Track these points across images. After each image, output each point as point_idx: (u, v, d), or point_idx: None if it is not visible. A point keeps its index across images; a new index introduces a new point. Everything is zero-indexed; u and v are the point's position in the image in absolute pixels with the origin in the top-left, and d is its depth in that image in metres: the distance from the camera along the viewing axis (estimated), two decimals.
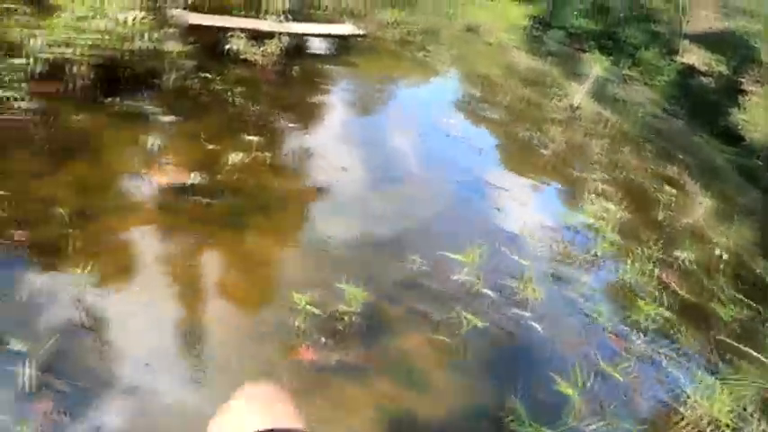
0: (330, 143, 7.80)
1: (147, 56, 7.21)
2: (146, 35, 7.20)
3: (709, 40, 34.79)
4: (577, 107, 14.19)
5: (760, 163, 28.29)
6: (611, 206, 7.93)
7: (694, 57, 34.53)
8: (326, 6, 13.20)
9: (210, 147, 6.51)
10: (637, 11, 39.34)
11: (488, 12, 22.42)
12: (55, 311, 3.79)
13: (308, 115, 8.45)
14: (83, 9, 6.99)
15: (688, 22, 35.73)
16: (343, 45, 11.49)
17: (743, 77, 31.64)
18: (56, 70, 6.54)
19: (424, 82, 12.56)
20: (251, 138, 6.83)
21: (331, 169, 6.96)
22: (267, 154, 6.74)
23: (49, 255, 4.28)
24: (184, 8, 9.28)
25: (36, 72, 6.34)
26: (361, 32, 11.22)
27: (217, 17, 9.29)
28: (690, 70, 35.32)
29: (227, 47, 8.82)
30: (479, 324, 4.67)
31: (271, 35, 8.97)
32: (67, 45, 6.51)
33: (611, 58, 38.83)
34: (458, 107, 11.02)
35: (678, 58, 36.20)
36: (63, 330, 3.66)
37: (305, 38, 9.29)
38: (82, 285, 3.97)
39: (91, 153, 5.86)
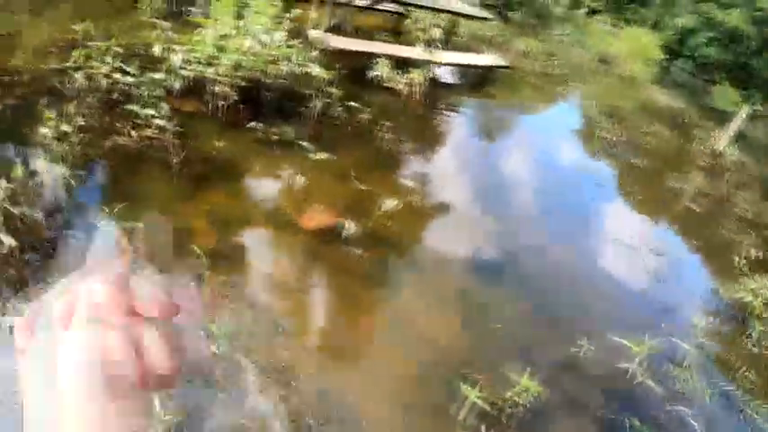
0: (482, 189, 7.34)
1: (291, 80, 6.84)
2: (291, 58, 6.84)
3: None
4: (720, 153, 13.16)
5: None
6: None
7: None
8: (464, 34, 12.91)
9: (360, 187, 5.97)
10: None
11: (621, 41, 21.41)
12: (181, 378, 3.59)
13: (458, 153, 8.14)
14: (225, 27, 6.73)
15: None
16: (483, 75, 11.18)
17: None
18: (195, 88, 6.26)
19: (562, 119, 11.97)
20: (403, 179, 6.60)
21: (486, 222, 6.49)
22: (421, 199, 6.34)
23: None
24: (327, 30, 9.27)
25: (175, 89, 6.10)
26: (505, 63, 10.86)
27: (362, 42, 9.18)
28: None
29: (371, 73, 8.55)
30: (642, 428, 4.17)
31: (415, 63, 8.74)
32: (209, 63, 6.17)
33: (744, 91, 36.51)
34: (598, 151, 10.32)
35: None
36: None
37: (449, 67, 8.97)
38: (213, 339, 3.53)
39: (231, 182, 5.45)
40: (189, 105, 6.32)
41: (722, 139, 13.02)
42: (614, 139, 11.02)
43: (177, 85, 6.18)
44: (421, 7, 10.30)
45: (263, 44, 6.68)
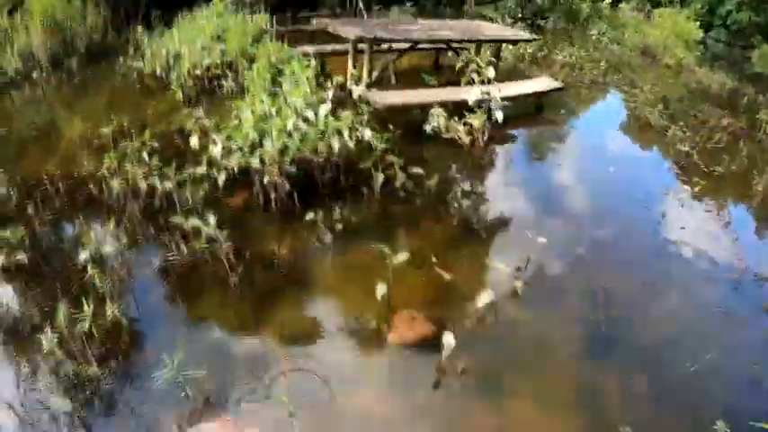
0: (581, 262, 5.80)
1: (345, 155, 5.97)
2: (340, 130, 5.95)
3: None
4: None
5: None
6: None
7: None
8: (504, 57, 12.02)
9: (447, 277, 4.86)
10: None
11: (656, 28, 20.29)
12: None
13: (547, 210, 6.78)
14: (262, 105, 6.11)
15: None
16: (537, 100, 10.28)
17: None
18: (243, 179, 5.58)
19: (630, 134, 10.29)
20: (494, 258, 5.30)
21: (595, 312, 4.97)
22: (521, 287, 4.92)
23: None
24: (370, 85, 8.46)
25: (221, 182, 5.43)
26: (558, 85, 9.93)
27: (412, 92, 8.31)
28: None
29: (427, 127, 7.47)
30: None
31: (468, 104, 7.79)
32: (252, 150, 5.47)
33: None
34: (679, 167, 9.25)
35: None
36: None
37: (504, 101, 7.88)
38: None
39: (298, 293, 4.62)
40: (237, 200, 5.69)
41: None
42: (687, 147, 9.92)
43: (222, 178, 5.44)
44: (465, 42, 9.47)
45: (308, 120, 5.88)
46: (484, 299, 4.30)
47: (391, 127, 6.72)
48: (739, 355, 4.62)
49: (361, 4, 9.80)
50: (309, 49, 9.20)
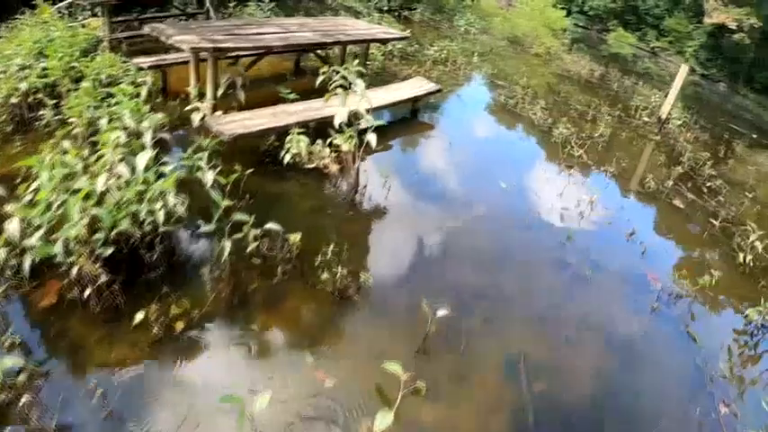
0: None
1: (179, 218, 4.16)
2: (165, 194, 4.08)
3: None
4: (665, 121, 11.79)
5: None
6: None
7: (722, 15, 31.63)
8: (373, 57, 10.76)
9: (328, 384, 3.49)
10: None
11: (521, 17, 20.11)
12: None
13: (441, 260, 5.22)
14: (69, 161, 4.10)
15: None
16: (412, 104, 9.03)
17: None
18: (52, 265, 3.76)
19: (513, 130, 9.84)
20: (387, 346, 3.92)
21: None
22: (424, 388, 3.59)
23: None
24: (216, 105, 6.86)
25: (25, 270, 3.61)
26: (436, 87, 8.82)
27: (270, 112, 6.74)
28: (720, 30, 32.49)
29: (286, 156, 5.67)
30: None
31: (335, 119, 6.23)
32: (58, 226, 3.65)
33: (638, 32, 36.49)
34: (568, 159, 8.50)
35: (706, 20, 33.32)
36: None
37: (376, 122, 6.16)
38: None
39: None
40: (48, 297, 3.78)
41: (664, 105, 11.54)
42: (572, 134, 9.22)
43: (27, 263, 3.63)
44: (327, 45, 8.07)
45: (124, 178, 4.19)
46: (381, 422, 2.95)
47: (238, 167, 5.03)
48: None
49: (207, 3, 7.93)
50: (146, 60, 7.41)
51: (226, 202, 4.16)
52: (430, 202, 6.12)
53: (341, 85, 5.69)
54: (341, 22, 9.60)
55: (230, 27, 7.56)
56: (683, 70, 11.39)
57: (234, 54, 7.42)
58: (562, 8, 32.34)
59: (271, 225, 4.25)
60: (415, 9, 18.91)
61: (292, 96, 6.73)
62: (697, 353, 4.78)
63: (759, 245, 6.87)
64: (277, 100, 6.68)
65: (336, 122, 5.56)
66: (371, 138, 5.48)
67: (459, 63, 12.56)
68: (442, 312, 3.94)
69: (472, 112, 10.05)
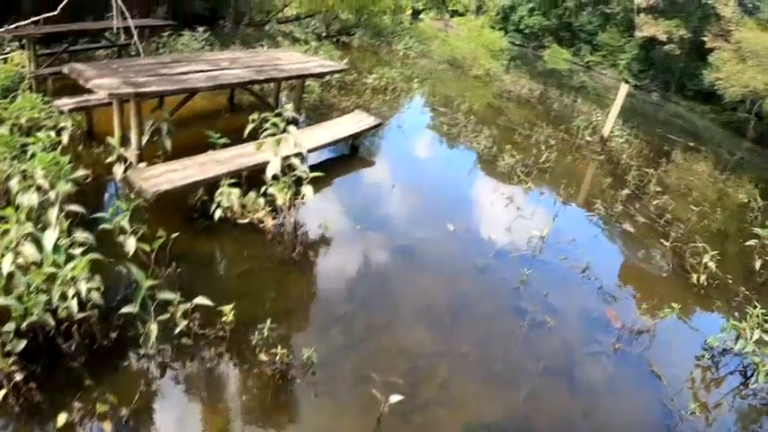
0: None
1: (97, 300, 3.55)
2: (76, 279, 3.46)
3: (664, 8, 33.03)
4: (608, 139, 11.77)
5: (747, 115, 26.74)
6: None
7: (653, 28, 32.66)
8: (309, 88, 10.31)
9: None
10: None
11: (460, 40, 20.11)
12: None
13: (391, 332, 4.58)
14: None
15: None
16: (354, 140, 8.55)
17: (705, 36, 29.92)
18: None
19: (463, 171, 9.04)
20: None
21: None
22: None
23: None
24: (141, 154, 6.26)
25: None
26: (376, 122, 8.40)
27: (198, 162, 6.12)
28: (650, 42, 33.51)
29: (216, 210, 5.13)
30: None
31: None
32: None
33: (571, 48, 37.38)
34: (515, 187, 8.23)
35: (637, 34, 34.32)
36: None
37: (311, 172, 5.50)
38: None
39: None
40: None
41: (606, 124, 11.50)
42: (515, 160, 8.97)
43: None
44: (259, 83, 7.61)
45: (31, 259, 3.58)
46: None
47: (163, 231, 4.46)
48: None
49: (135, 38, 7.30)
50: (68, 102, 6.72)
51: (149, 282, 3.63)
52: (375, 253, 5.65)
53: (272, 134, 5.25)
54: (275, 56, 9.13)
55: (156, 66, 6.97)
56: (623, 90, 11.40)
57: (159, 96, 6.88)
58: (500, 29, 32.85)
59: (200, 299, 3.75)
60: (353, 34, 18.67)
61: (222, 142, 6.18)
62: (664, 392, 4.54)
63: (712, 264, 6.72)
64: (209, 144, 6.12)
65: (269, 174, 5.10)
66: (307, 190, 5.04)
67: (399, 90, 12.27)
68: (394, 398, 3.48)
69: (414, 144, 9.68)
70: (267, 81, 7.79)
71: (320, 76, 9.31)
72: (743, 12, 29.88)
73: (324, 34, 17.91)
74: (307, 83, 10.01)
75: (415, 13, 39.14)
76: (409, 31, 21.46)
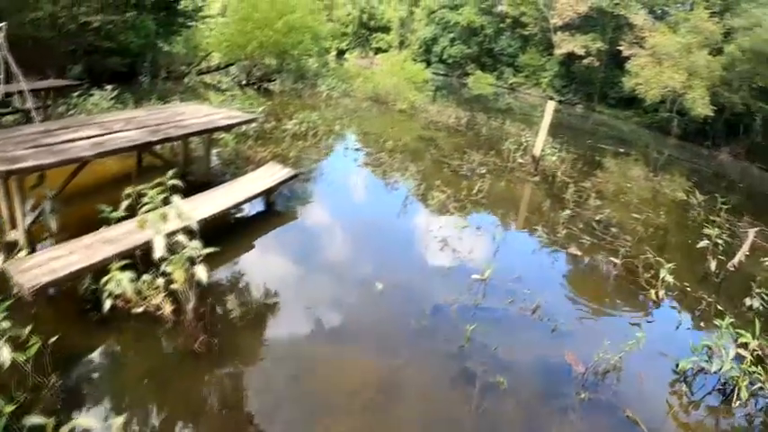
0: None
1: None
2: None
3: (579, 25, 34.01)
4: (540, 158, 11.34)
5: (669, 114, 27.48)
6: None
7: (570, 44, 33.52)
8: (220, 142, 9.48)
9: None
10: (504, 23, 38.56)
11: (385, 75, 19.74)
12: None
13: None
14: None
15: (553, 15, 34.79)
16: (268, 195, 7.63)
17: (621, 46, 30.90)
18: None
19: (391, 216, 7.92)
20: None
21: None
22: None
23: None
24: (29, 245, 5.29)
25: None
26: (291, 173, 7.57)
27: (86, 244, 5.12)
28: (570, 58, 34.38)
29: (107, 302, 4.31)
30: None
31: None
32: None
33: (495, 73, 38.00)
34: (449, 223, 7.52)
35: (556, 51, 35.19)
36: None
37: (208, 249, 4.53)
38: None
39: None
40: None
41: (536, 143, 11.07)
42: (451, 194, 8.30)
43: None
44: (154, 144, 6.71)
45: None
46: None
47: (36, 338, 3.53)
48: None
49: (29, 103, 6.35)
50: None
51: (9, 407, 2.72)
52: (292, 331, 4.71)
53: (163, 202, 4.41)
54: (179, 112, 8.26)
55: (39, 135, 5.97)
56: (550, 107, 11.02)
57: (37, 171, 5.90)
58: (422, 61, 33.00)
59: (83, 420, 2.84)
60: (274, 80, 18.04)
61: (116, 216, 5.17)
62: None
63: (669, 278, 6.24)
64: (102, 225, 5.13)
65: (156, 256, 4.22)
66: (200, 271, 4.17)
67: (321, 134, 11.53)
68: None
69: (336, 192, 8.68)
70: (163, 141, 6.90)
71: (227, 129, 8.50)
72: (653, 18, 31.10)
73: (244, 82, 17.27)
74: (221, 136, 9.22)
75: (341, 53, 39.14)
76: (334, 72, 21.03)
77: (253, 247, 6.05)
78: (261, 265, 5.70)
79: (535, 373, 4.57)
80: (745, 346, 4.91)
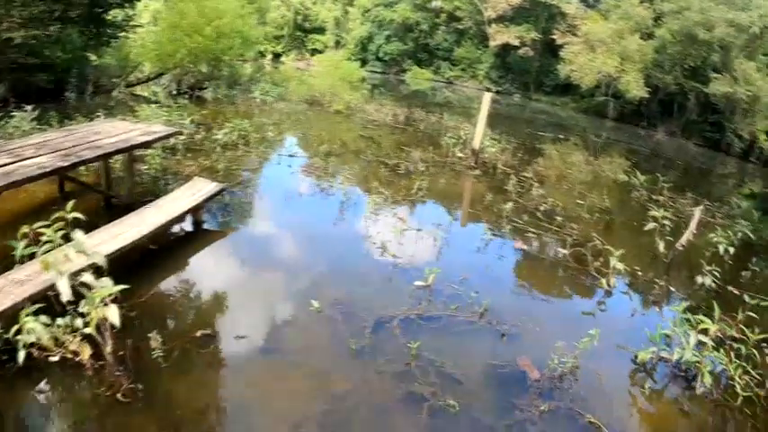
0: None
1: None
2: None
3: (513, 16, 34.29)
4: (480, 151, 11.04)
5: (605, 98, 28.09)
6: None
7: (505, 35, 33.79)
8: (151, 155, 8.74)
9: None
10: (438, 18, 38.48)
11: (319, 77, 19.23)
12: None
13: None
14: None
15: (487, 8, 34.98)
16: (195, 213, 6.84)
17: (554, 35, 31.35)
18: None
19: (317, 216, 7.55)
20: None
21: None
22: None
23: None
24: None
25: None
26: (218, 188, 6.89)
27: None
28: (505, 49, 34.66)
29: (20, 353, 3.67)
30: None
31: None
32: None
33: (431, 68, 37.94)
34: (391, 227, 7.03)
35: (491, 43, 35.40)
36: None
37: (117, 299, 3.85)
38: None
39: None
40: None
41: (475, 136, 10.76)
42: (388, 193, 7.85)
43: None
44: (65, 169, 5.94)
45: None
46: None
47: None
48: None
49: None
50: None
51: None
52: (224, 367, 4.12)
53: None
54: (94, 131, 7.46)
55: None
56: (487, 99, 10.71)
57: None
58: (358, 59, 32.58)
59: None
60: (206, 88, 17.23)
61: (29, 252, 4.40)
62: None
63: (620, 265, 5.99)
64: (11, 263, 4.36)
65: (64, 299, 3.57)
66: (112, 313, 3.56)
67: (253, 142, 10.88)
68: None
69: (268, 203, 7.97)
70: (76, 166, 6.17)
71: (146, 145, 7.79)
72: (585, 6, 31.69)
73: (176, 92, 16.44)
74: (146, 152, 8.51)
75: (277, 57, 38.26)
76: (269, 77, 20.34)
77: (177, 273, 5.33)
78: (186, 293, 5.03)
79: (488, 387, 4.15)
80: (705, 332, 4.71)
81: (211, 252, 5.90)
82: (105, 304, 3.60)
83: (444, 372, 4.13)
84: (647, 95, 24.48)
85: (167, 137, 7.96)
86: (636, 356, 4.66)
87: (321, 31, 41.32)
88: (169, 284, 5.10)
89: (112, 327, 3.62)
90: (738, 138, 21.90)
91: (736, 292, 6.74)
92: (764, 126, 21.06)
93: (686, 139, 23.73)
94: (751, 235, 8.55)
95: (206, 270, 5.50)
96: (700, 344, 4.57)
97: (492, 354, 4.50)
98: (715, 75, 22.33)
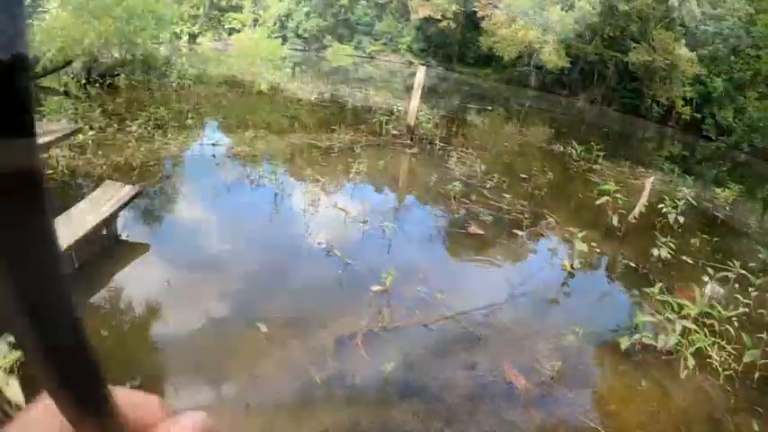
0: None
1: None
2: None
3: None
4: (415, 127, 10.45)
5: (527, 68, 28.40)
6: None
7: (426, 9, 33.26)
8: (55, 155, 7.51)
9: None
10: None
11: (238, 57, 18.01)
12: None
13: None
14: None
15: None
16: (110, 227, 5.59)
17: (475, 8, 31.20)
18: None
19: (249, 215, 6.50)
20: None
21: None
22: None
23: None
24: None
25: None
26: (134, 192, 5.72)
27: None
28: (426, 22, 34.24)
29: None
30: None
31: None
32: None
33: (352, 43, 36.98)
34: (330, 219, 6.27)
35: (413, 17, 34.85)
36: None
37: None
38: None
39: None
40: None
41: (410, 113, 10.14)
42: (322, 179, 7.12)
43: None
44: None
45: None
46: None
47: None
48: None
49: None
50: None
51: None
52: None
53: None
54: None
55: None
56: (421, 73, 10.04)
57: None
58: (276, 37, 31.23)
59: None
60: (118, 75, 15.64)
61: None
62: None
63: (584, 246, 5.60)
64: None
65: None
66: (12, 389, 2.67)
67: (171, 132, 9.71)
68: None
69: (193, 202, 6.80)
70: None
71: (43, 148, 6.57)
72: None
73: (85, 80, 14.82)
74: (49, 154, 7.27)
75: (193, 38, 36.01)
76: (187, 59, 18.84)
77: (93, 304, 4.28)
78: (108, 330, 4.01)
79: (476, 404, 3.53)
80: (686, 317, 4.57)
81: (132, 272, 4.75)
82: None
83: (425, 394, 3.50)
84: (568, 65, 24.70)
85: (64, 138, 6.71)
86: (619, 344, 4.32)
87: (238, 9, 39.25)
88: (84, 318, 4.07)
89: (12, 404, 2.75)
90: (657, 104, 22.48)
91: (690, 261, 6.63)
92: (681, 92, 21.70)
93: (607, 105, 24.18)
94: (694, 202, 8.49)
95: (128, 295, 4.37)
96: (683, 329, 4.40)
97: (472, 363, 3.90)
98: (634, 44, 22.73)
